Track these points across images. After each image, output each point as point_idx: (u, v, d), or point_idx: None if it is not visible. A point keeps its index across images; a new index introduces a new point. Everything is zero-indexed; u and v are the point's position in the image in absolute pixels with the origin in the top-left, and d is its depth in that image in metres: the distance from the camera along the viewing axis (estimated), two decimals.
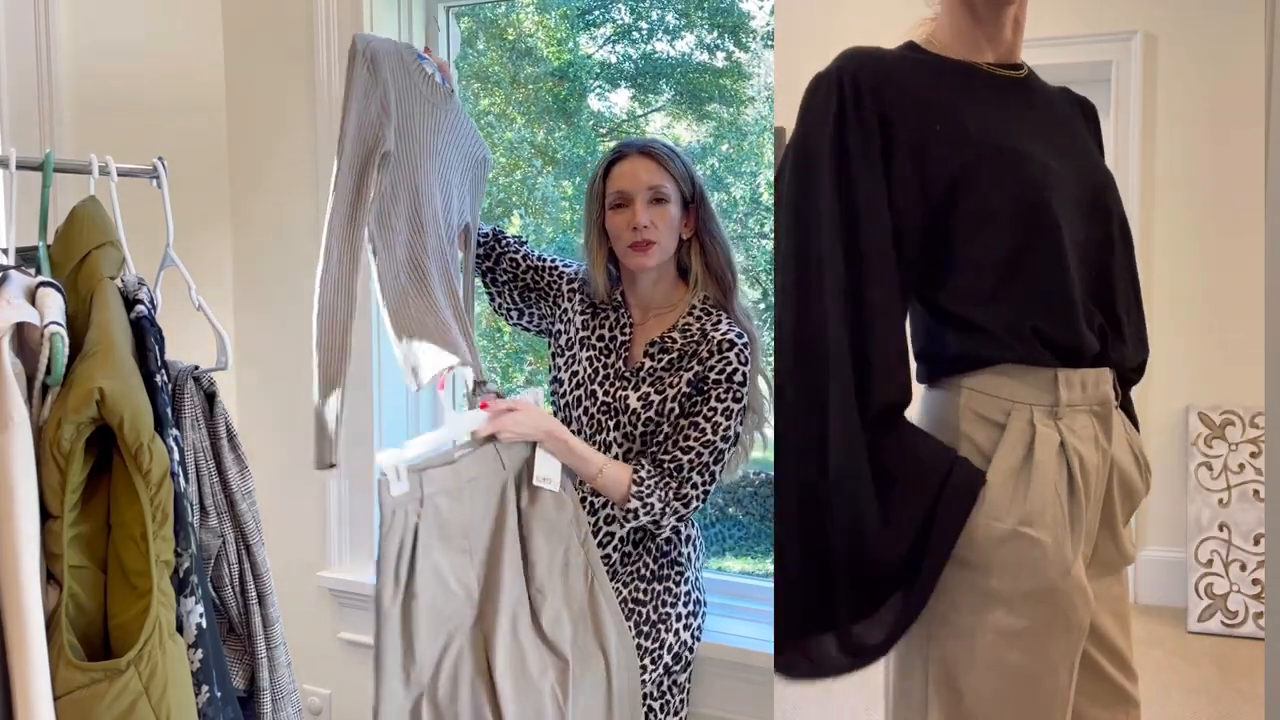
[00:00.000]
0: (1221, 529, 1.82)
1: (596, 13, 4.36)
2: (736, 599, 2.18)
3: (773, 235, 1.22)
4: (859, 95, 0.98)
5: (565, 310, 2.02)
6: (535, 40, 4.24)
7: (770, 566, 2.86)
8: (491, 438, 1.71)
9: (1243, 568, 1.81)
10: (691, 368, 1.88)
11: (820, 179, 0.93)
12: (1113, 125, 1.90)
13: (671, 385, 1.89)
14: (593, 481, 1.82)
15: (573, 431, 1.86)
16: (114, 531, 1.23)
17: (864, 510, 0.85)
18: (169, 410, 1.32)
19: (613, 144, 1.99)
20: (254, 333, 2.57)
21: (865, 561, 0.87)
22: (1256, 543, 1.79)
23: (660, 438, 1.89)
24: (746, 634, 2.06)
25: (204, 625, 1.31)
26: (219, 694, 1.33)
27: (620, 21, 4.38)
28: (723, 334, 1.86)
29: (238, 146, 2.57)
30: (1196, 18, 1.83)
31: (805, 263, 0.93)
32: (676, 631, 1.90)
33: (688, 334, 1.90)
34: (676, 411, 1.88)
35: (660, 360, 1.91)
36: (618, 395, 1.91)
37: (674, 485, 1.84)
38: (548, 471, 1.73)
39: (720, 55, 4.22)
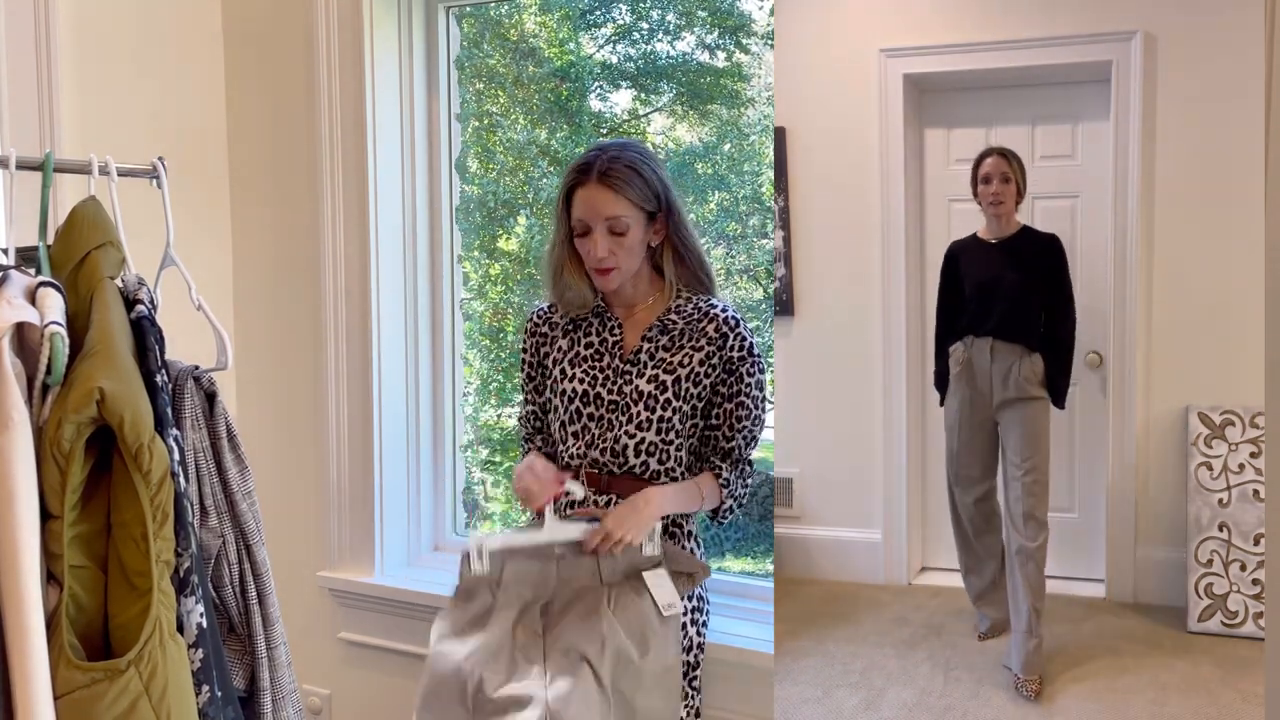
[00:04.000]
0: (1221, 529, 1.82)
1: (598, 13, 4.36)
2: (736, 599, 2.18)
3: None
4: (947, 260, 2.07)
5: (549, 345, 2.03)
6: (537, 41, 4.24)
7: (770, 566, 2.86)
8: (593, 552, 1.81)
9: (1243, 568, 1.81)
10: (701, 346, 1.91)
11: (940, 287, 2.09)
12: (1113, 125, 1.90)
13: (682, 364, 1.91)
14: (698, 509, 1.93)
15: (582, 438, 1.92)
16: (114, 531, 1.23)
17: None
18: (169, 410, 1.33)
19: (584, 151, 1.96)
20: (254, 333, 2.57)
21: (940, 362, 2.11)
22: (1256, 543, 1.79)
23: (699, 424, 1.93)
24: (746, 634, 2.06)
25: (204, 625, 1.31)
26: (219, 694, 1.33)
27: (621, 22, 4.38)
28: (723, 312, 1.93)
29: (238, 146, 2.58)
30: (1196, 18, 1.83)
31: (937, 307, 2.11)
32: (683, 626, 1.90)
33: (684, 314, 1.94)
34: (694, 392, 1.91)
35: (659, 341, 1.93)
36: (624, 389, 1.91)
37: (743, 467, 1.95)
38: (669, 598, 1.80)
39: (721, 56, 4.23)
